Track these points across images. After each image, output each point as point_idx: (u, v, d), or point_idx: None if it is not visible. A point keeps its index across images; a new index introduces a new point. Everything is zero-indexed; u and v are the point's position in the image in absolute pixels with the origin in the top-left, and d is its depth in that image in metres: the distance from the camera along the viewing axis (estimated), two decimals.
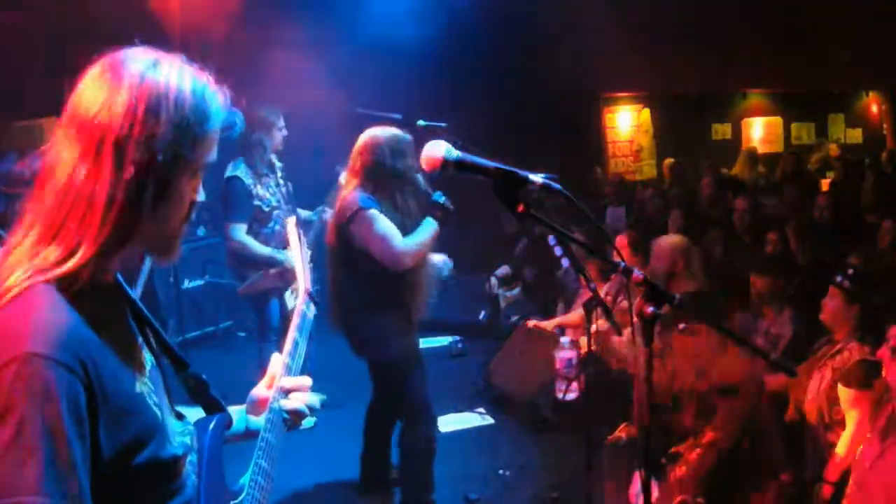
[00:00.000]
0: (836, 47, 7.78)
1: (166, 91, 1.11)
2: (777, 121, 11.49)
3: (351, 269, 3.31)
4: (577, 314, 5.12)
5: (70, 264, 1.06)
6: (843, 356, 3.19)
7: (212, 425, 1.37)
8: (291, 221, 1.82)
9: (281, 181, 4.59)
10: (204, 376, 1.40)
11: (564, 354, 4.46)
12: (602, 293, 4.77)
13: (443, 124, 3.95)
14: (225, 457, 1.38)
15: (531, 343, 5.12)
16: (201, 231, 6.47)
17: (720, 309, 4.27)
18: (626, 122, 10.86)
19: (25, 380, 0.97)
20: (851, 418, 3.00)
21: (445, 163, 1.49)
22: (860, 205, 5.65)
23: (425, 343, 3.65)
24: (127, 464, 1.09)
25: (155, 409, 1.18)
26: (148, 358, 1.24)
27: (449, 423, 4.60)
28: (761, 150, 10.99)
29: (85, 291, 1.08)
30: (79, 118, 1.10)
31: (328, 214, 4.59)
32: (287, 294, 4.58)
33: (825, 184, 8.49)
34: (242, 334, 6.58)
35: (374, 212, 3.17)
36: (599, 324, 3.58)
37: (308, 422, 5.12)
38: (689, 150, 10.03)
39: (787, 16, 7.87)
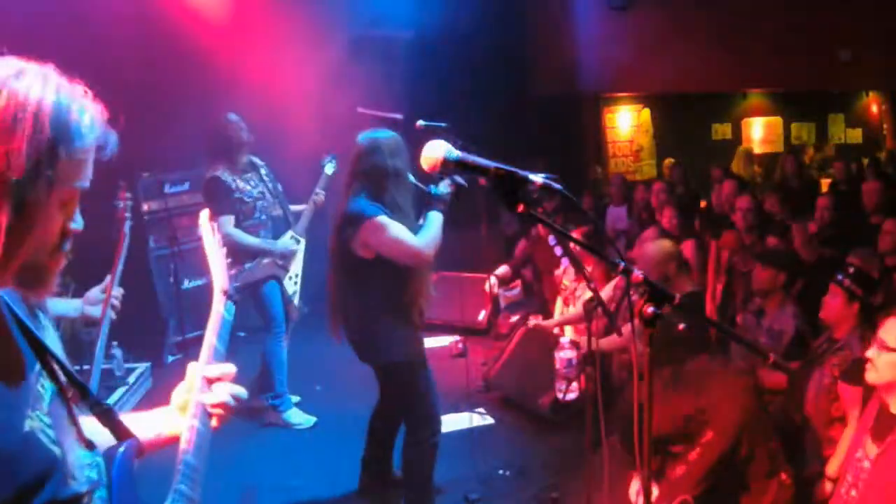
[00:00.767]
0: (836, 47, 7.78)
1: (26, 103, 1.00)
2: (777, 121, 11.50)
3: (352, 277, 3.32)
4: (577, 314, 5.12)
5: None
6: (843, 354, 3.20)
7: (120, 452, 1.25)
8: (204, 214, 1.72)
9: (266, 178, 4.73)
10: (108, 403, 1.28)
11: (564, 354, 4.46)
12: (608, 292, 4.79)
13: (443, 124, 3.96)
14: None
15: (531, 343, 5.12)
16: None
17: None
18: (626, 122, 10.86)
19: None
20: (852, 415, 3.01)
21: (446, 163, 1.49)
22: (861, 205, 5.64)
23: (425, 343, 3.67)
24: None
25: (50, 446, 1.08)
26: (48, 387, 1.14)
27: (449, 423, 4.59)
28: (761, 150, 11.01)
29: None
30: None
31: (321, 198, 4.74)
32: (286, 280, 4.70)
33: (825, 184, 8.50)
34: (242, 334, 6.58)
35: (383, 218, 3.19)
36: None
37: (308, 421, 5.13)
38: (689, 150, 10.04)
39: (787, 16, 7.87)
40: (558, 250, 4.31)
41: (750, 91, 11.14)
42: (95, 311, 3.02)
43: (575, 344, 4.53)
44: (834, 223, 5.51)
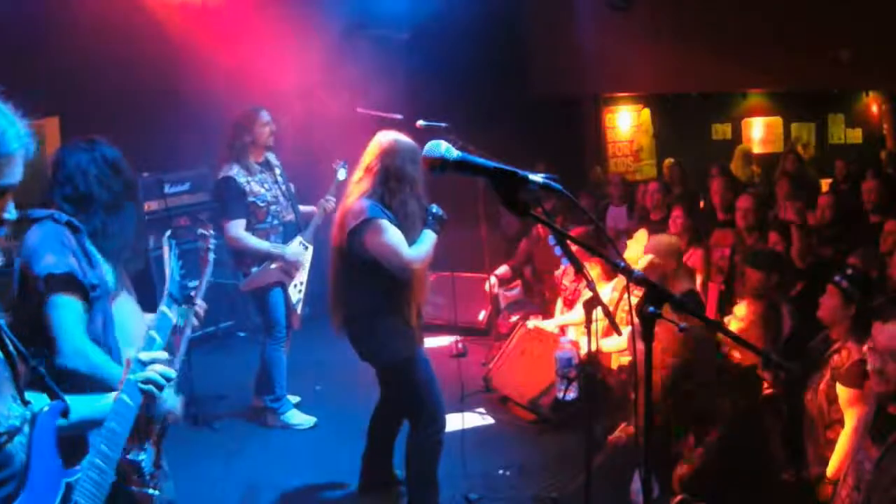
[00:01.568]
0: (836, 47, 7.78)
1: None
2: (777, 121, 11.50)
3: (351, 273, 3.33)
4: (577, 314, 5.13)
5: None
6: (840, 355, 3.20)
7: (44, 409, 1.51)
8: (165, 236, 2.04)
9: (280, 179, 4.63)
10: (41, 369, 1.52)
11: (564, 354, 4.46)
12: (607, 292, 4.79)
13: (443, 124, 3.97)
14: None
15: (531, 343, 5.12)
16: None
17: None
18: (626, 122, 10.86)
19: None
20: (850, 417, 3.01)
21: (445, 163, 1.49)
22: (861, 205, 5.64)
23: (425, 343, 3.68)
24: None
25: None
26: None
27: (449, 423, 4.59)
28: (761, 150, 11.01)
29: None
30: None
31: (331, 204, 4.63)
32: (290, 288, 4.63)
33: (825, 184, 8.49)
34: (242, 334, 6.58)
35: (383, 222, 3.21)
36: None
37: (308, 421, 5.15)
38: (689, 150, 10.03)
39: (788, 16, 7.87)
40: (558, 250, 4.31)
41: (750, 91, 11.13)
42: (179, 320, 3.11)
43: (575, 344, 4.54)
44: (834, 223, 5.52)
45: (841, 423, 3.09)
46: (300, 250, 4.61)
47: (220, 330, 6.47)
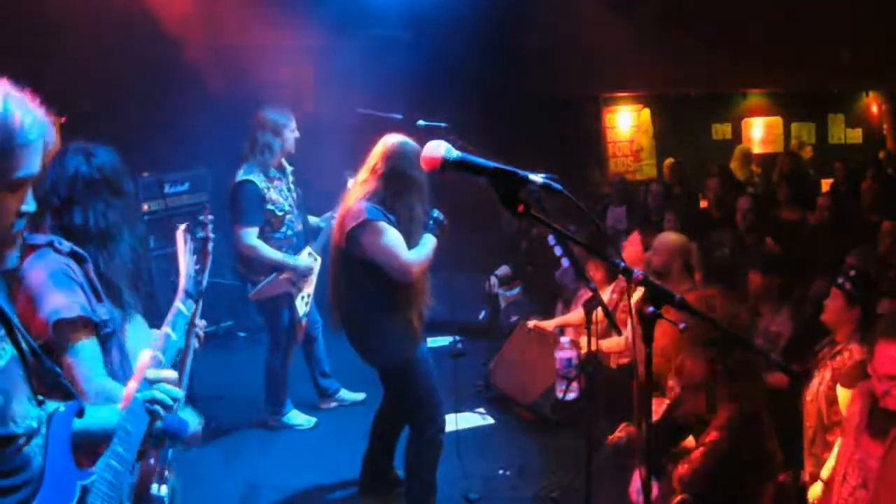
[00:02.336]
0: (836, 47, 7.78)
1: None
2: (777, 121, 11.50)
3: (351, 274, 3.33)
4: (577, 314, 5.12)
5: None
6: (842, 357, 3.19)
7: (60, 410, 1.48)
8: (180, 229, 1.90)
9: (292, 185, 4.53)
10: (56, 369, 1.48)
11: (564, 354, 4.45)
12: (608, 293, 4.79)
13: (443, 124, 3.96)
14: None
15: (531, 343, 5.12)
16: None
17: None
18: (626, 122, 10.86)
19: None
20: (849, 419, 3.00)
21: (445, 163, 1.49)
22: (861, 205, 5.65)
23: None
24: None
25: None
26: (8, 350, 1.34)
27: (449, 423, 4.58)
28: (761, 150, 11.01)
29: None
30: None
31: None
32: (297, 300, 4.51)
33: (825, 184, 8.49)
34: (243, 334, 6.58)
35: (381, 224, 3.21)
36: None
37: (308, 422, 5.15)
38: (689, 150, 10.03)
39: (788, 16, 7.86)
40: (558, 250, 4.31)
41: (750, 91, 11.13)
42: (179, 341, 3.01)
43: (575, 344, 4.53)
44: (833, 223, 5.52)
45: (839, 425, 3.09)
46: (310, 261, 4.49)
47: (220, 330, 6.48)
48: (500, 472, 4.11)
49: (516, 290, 6.70)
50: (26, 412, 1.35)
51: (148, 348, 1.65)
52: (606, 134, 10.75)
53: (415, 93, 6.49)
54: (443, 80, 7.21)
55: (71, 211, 2.19)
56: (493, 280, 6.16)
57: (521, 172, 1.49)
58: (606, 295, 4.75)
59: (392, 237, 3.22)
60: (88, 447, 1.54)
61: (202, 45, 5.80)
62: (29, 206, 1.29)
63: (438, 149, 1.50)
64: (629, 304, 1.71)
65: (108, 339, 2.15)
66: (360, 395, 4.99)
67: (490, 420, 4.81)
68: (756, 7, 8.00)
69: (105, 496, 1.44)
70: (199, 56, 5.77)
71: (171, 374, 1.62)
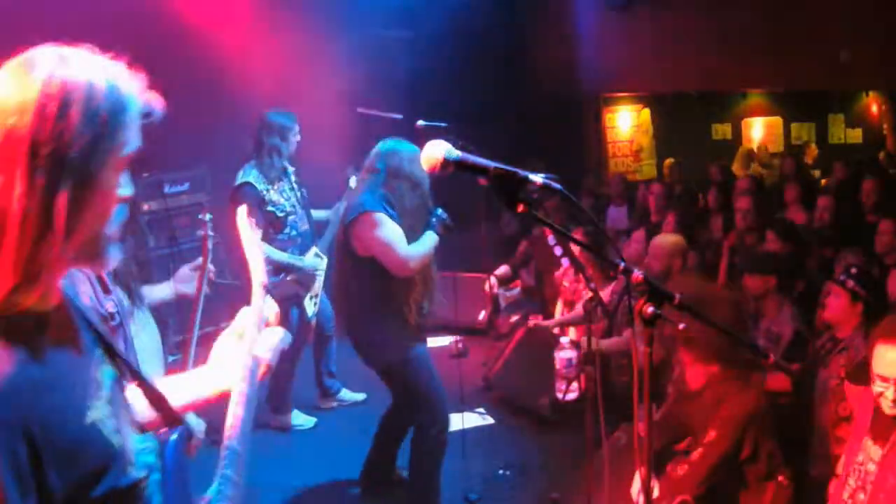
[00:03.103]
0: (836, 47, 7.77)
1: (76, 86, 1.04)
2: (777, 121, 11.50)
3: (351, 270, 3.34)
4: (577, 314, 5.12)
5: (15, 304, 0.97)
6: (848, 353, 3.19)
7: (173, 438, 1.34)
8: (241, 211, 1.75)
9: (295, 185, 4.51)
10: (160, 390, 1.33)
11: (564, 354, 4.46)
12: (608, 293, 4.79)
13: (443, 124, 3.96)
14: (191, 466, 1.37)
15: (531, 343, 5.12)
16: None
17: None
18: (626, 122, 10.86)
19: None
20: (857, 415, 3.00)
21: (445, 163, 1.49)
22: (861, 205, 5.64)
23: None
24: (85, 498, 1.04)
25: (111, 436, 1.11)
26: (108, 373, 1.18)
27: (453, 422, 4.60)
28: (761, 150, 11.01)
29: (19, 321, 0.99)
30: None
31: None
32: (306, 300, 4.50)
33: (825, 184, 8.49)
34: None
35: (380, 215, 3.20)
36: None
37: (308, 422, 5.15)
38: (689, 150, 10.03)
39: (787, 16, 7.86)
40: (558, 250, 4.31)
41: (750, 91, 11.13)
42: (188, 288, 3.14)
43: (575, 344, 4.53)
44: (833, 223, 5.52)
45: (848, 421, 3.10)
46: (317, 261, 4.47)
47: (220, 330, 6.46)
48: (500, 472, 4.11)
49: (516, 290, 6.70)
50: (137, 446, 1.21)
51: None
52: (606, 134, 10.75)
53: (415, 93, 6.49)
54: (443, 79, 7.21)
55: None
56: (493, 280, 6.16)
57: (521, 172, 1.48)
58: (606, 295, 4.75)
59: (390, 230, 3.20)
60: None
61: (202, 44, 5.80)
62: (126, 189, 1.14)
63: (438, 148, 1.49)
64: (629, 303, 1.71)
65: (114, 331, 2.19)
66: (361, 396, 4.99)
67: (490, 420, 4.81)
68: (756, 7, 8.00)
69: None
70: (198, 55, 5.77)
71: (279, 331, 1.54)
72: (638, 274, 1.54)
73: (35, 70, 1.03)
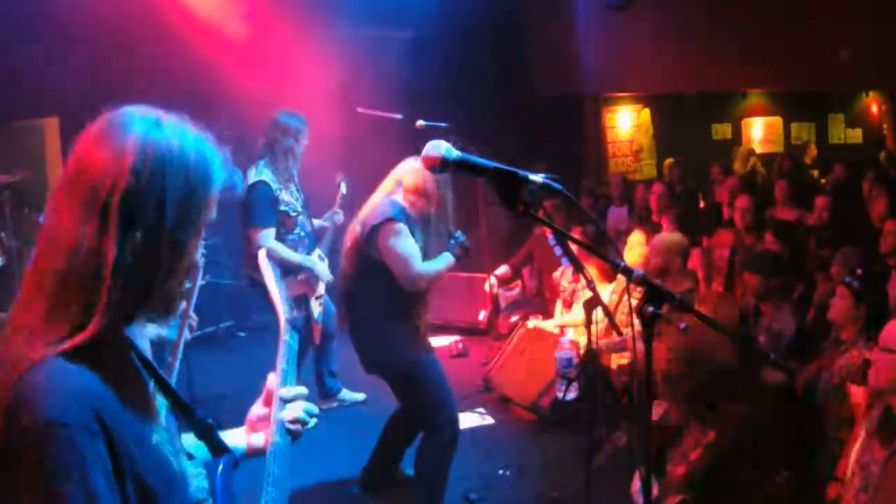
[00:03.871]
0: (836, 47, 7.78)
1: (170, 152, 1.10)
2: (777, 121, 11.50)
3: (365, 274, 3.33)
4: (577, 314, 5.12)
5: (81, 337, 1.03)
6: (851, 354, 3.19)
7: (222, 464, 1.39)
8: (262, 254, 1.83)
9: (298, 189, 4.51)
10: (210, 420, 1.38)
11: (564, 354, 4.46)
12: (606, 294, 4.79)
13: (443, 124, 3.96)
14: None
15: (531, 343, 5.12)
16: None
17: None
18: (626, 122, 10.87)
19: (52, 446, 0.97)
20: (861, 416, 3.00)
21: (445, 163, 1.49)
22: (860, 205, 5.65)
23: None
24: None
25: (171, 458, 1.17)
26: (161, 403, 1.23)
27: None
28: (761, 150, 11.01)
29: (99, 355, 1.06)
30: (81, 179, 1.07)
31: (340, 217, 4.57)
32: (312, 300, 4.50)
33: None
34: (243, 334, 6.58)
35: (402, 226, 3.21)
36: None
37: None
38: (689, 150, 10.04)
39: (787, 16, 7.86)
40: (558, 250, 4.31)
41: (750, 91, 11.14)
42: (171, 333, 3.09)
43: (575, 344, 4.54)
44: (832, 223, 5.52)
45: (851, 422, 3.10)
46: (321, 263, 4.50)
47: (220, 330, 6.48)
48: (500, 472, 4.11)
49: (516, 290, 6.71)
50: (190, 471, 1.26)
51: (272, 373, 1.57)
52: (606, 134, 10.76)
53: (415, 93, 6.50)
54: (443, 79, 7.22)
55: None
56: (493, 280, 6.16)
57: (521, 172, 1.48)
58: (606, 295, 4.75)
59: (407, 244, 3.22)
60: None
61: (201, 44, 5.81)
62: (200, 257, 1.22)
63: (438, 148, 1.49)
64: (629, 303, 1.71)
65: None
66: (361, 396, 4.99)
67: (490, 420, 4.81)
68: (756, 7, 8.01)
69: None
70: (198, 55, 5.77)
71: (303, 389, 1.53)
72: (638, 274, 1.54)
73: (130, 131, 1.09)
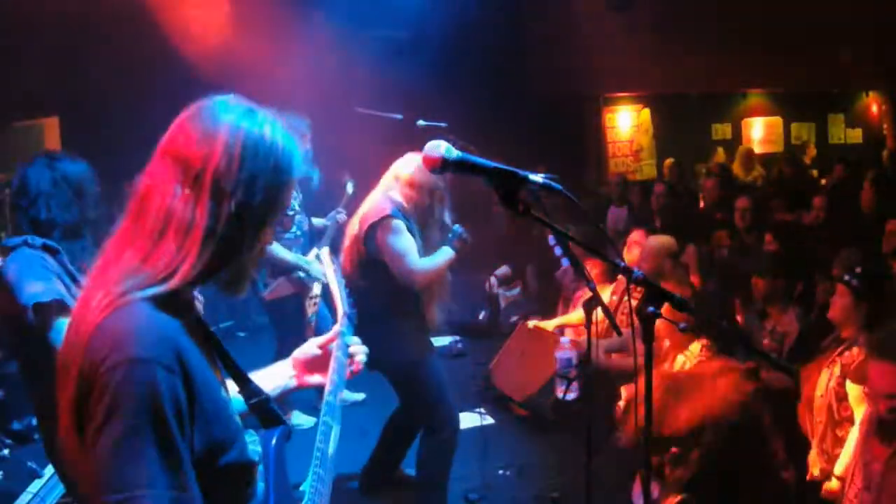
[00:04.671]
0: (836, 47, 7.78)
1: (261, 138, 1.20)
2: (777, 121, 11.50)
3: (365, 273, 3.33)
4: (577, 314, 5.12)
5: (167, 286, 1.13)
6: (851, 353, 3.19)
7: (276, 435, 1.49)
8: (325, 252, 1.95)
9: (296, 188, 4.53)
10: (266, 392, 1.49)
11: (564, 354, 4.46)
12: (606, 295, 4.79)
13: (443, 124, 3.96)
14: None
15: (531, 343, 5.11)
16: None
17: (723, 309, 4.28)
18: (626, 122, 10.86)
19: (132, 382, 1.04)
20: (860, 414, 3.00)
21: (445, 163, 1.49)
22: (860, 205, 5.64)
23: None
24: (213, 463, 1.15)
25: (236, 416, 1.26)
26: (223, 374, 1.34)
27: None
28: (761, 150, 11.01)
29: (177, 307, 1.16)
30: (177, 149, 1.19)
31: (343, 216, 4.57)
32: (307, 300, 4.52)
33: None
34: (243, 334, 6.59)
35: (399, 223, 3.21)
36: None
37: (308, 422, 5.14)
38: (689, 150, 10.04)
39: (788, 16, 7.87)
40: (558, 250, 4.31)
41: (750, 91, 11.14)
42: None
43: (575, 344, 4.53)
44: (829, 223, 5.52)
45: (850, 420, 3.10)
46: (318, 263, 4.49)
47: (220, 330, 6.48)
48: (500, 472, 4.11)
49: (516, 290, 6.71)
50: (249, 438, 1.36)
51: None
52: (606, 134, 10.76)
53: (415, 93, 6.50)
54: (443, 79, 7.22)
55: (37, 206, 2.42)
56: (493, 280, 6.17)
57: (521, 172, 1.48)
58: (606, 295, 4.75)
59: (404, 240, 3.22)
60: None
61: (201, 44, 5.81)
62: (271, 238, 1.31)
63: (438, 148, 1.49)
64: (629, 303, 1.71)
65: None
66: (360, 396, 4.99)
67: (490, 420, 4.81)
68: (756, 7, 8.01)
69: None
70: (198, 55, 5.77)
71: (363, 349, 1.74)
72: (638, 274, 1.54)
73: (224, 115, 1.20)
